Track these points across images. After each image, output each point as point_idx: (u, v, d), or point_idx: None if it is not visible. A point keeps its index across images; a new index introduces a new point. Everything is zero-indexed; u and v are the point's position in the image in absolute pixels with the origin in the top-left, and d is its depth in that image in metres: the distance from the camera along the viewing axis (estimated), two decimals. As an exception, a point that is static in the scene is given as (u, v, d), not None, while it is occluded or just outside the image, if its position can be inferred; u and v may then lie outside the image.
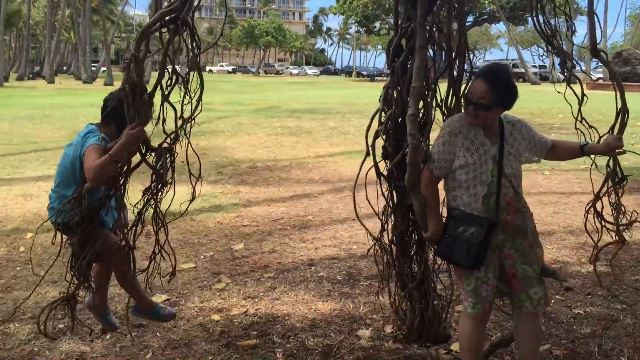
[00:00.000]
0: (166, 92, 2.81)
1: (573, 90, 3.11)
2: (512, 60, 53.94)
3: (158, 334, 3.66)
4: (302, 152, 11.05)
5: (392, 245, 3.33)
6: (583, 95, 3.10)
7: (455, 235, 2.83)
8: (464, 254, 2.79)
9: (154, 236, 3.17)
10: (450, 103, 3.30)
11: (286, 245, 5.46)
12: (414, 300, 3.35)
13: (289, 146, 11.72)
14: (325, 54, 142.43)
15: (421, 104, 3.10)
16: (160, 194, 3.07)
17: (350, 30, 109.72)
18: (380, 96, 3.20)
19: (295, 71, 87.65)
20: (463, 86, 3.21)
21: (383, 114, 3.23)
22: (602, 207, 3.12)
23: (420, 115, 3.14)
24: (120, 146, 2.69)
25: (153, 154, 2.89)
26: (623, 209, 3.08)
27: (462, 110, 3.22)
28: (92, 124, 3.11)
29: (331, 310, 4.01)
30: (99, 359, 3.35)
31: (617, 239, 3.10)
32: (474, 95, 2.72)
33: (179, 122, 2.92)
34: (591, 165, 3.15)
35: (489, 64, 2.89)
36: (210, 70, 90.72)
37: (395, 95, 3.16)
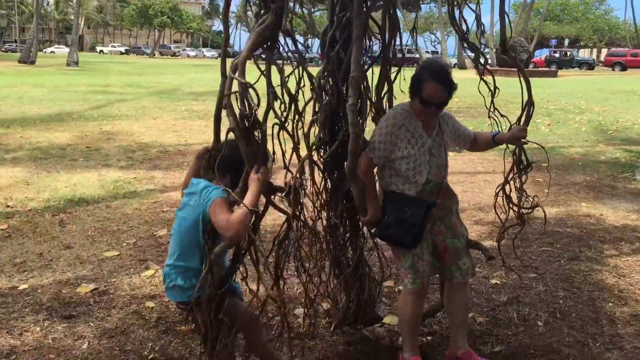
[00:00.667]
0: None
1: (486, 83, 3.32)
2: (407, 45, 55.59)
3: (91, 324, 3.56)
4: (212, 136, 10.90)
5: (327, 233, 3.39)
6: (495, 87, 3.33)
7: (397, 216, 2.99)
8: (405, 234, 2.97)
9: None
10: (382, 91, 3.39)
11: (211, 230, 5.43)
12: (350, 286, 3.45)
13: (199, 130, 11.53)
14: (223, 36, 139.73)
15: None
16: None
17: (249, 12, 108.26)
18: (314, 84, 3.25)
19: (192, 53, 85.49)
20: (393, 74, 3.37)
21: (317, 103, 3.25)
22: (510, 190, 3.37)
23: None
24: (254, 194, 2.41)
25: (280, 194, 2.66)
26: (526, 194, 3.35)
27: (392, 97, 3.41)
28: (202, 179, 2.64)
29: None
30: (31, 352, 3.22)
31: (519, 221, 3.37)
32: (436, 98, 2.88)
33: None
34: (505, 151, 3.39)
35: (437, 64, 3.02)
36: (101, 51, 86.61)
37: (330, 84, 3.19)
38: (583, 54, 76.98)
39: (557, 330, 3.52)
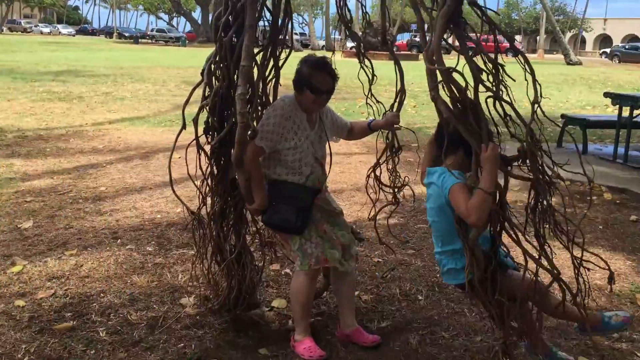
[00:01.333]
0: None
1: (366, 72, 3.42)
2: (299, 35, 55.32)
3: (-46, 329, 3.23)
4: (77, 119, 10.26)
5: (212, 220, 3.33)
6: (373, 75, 3.45)
7: (283, 204, 3.04)
8: (293, 220, 3.03)
9: None
10: (269, 76, 3.37)
11: (83, 220, 5.12)
12: (232, 272, 3.41)
13: (61, 113, 10.78)
14: (80, 12, 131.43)
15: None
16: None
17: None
18: (203, 69, 3.16)
19: (46, 30, 79.33)
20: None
21: (207, 89, 3.17)
22: (381, 172, 3.51)
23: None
24: (490, 175, 2.39)
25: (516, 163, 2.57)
26: (398, 175, 3.53)
27: (278, 85, 3.41)
28: (438, 167, 2.64)
29: (149, 282, 3.91)
30: None
31: (393, 200, 3.55)
32: (326, 86, 3.02)
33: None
34: (378, 134, 3.52)
35: (317, 57, 3.11)
36: (-62, 25, 77.96)
37: (222, 70, 3.11)
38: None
39: (437, 303, 3.73)
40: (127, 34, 68.20)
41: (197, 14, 62.98)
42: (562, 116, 8.76)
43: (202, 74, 3.21)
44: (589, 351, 3.17)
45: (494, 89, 2.49)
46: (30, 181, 6.30)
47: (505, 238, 2.66)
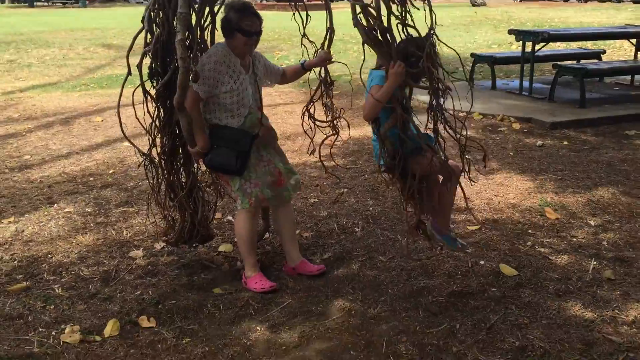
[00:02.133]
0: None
1: (299, 12, 3.56)
2: None
3: None
4: (-16, 89, 9.80)
5: (162, 160, 3.46)
6: (307, 15, 3.59)
7: (224, 146, 3.22)
8: (233, 162, 3.23)
9: None
10: (203, 27, 3.48)
11: (13, 189, 5.06)
12: (185, 207, 3.58)
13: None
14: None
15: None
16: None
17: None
18: (143, 17, 3.21)
19: None
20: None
21: (149, 36, 3.24)
22: (314, 110, 3.71)
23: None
24: (388, 87, 2.89)
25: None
26: (334, 107, 3.74)
27: (215, 31, 3.51)
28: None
29: (95, 241, 4.01)
30: None
31: (333, 132, 3.77)
32: (254, 27, 3.19)
33: None
34: (309, 77, 3.70)
35: (241, 2, 3.23)
36: None
37: (161, 17, 3.19)
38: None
39: (372, 233, 4.04)
40: (19, -2, 63.75)
41: (94, -27, 59.53)
42: (472, 55, 9.22)
43: (142, 21, 3.26)
44: (508, 259, 3.58)
45: (402, 17, 2.89)
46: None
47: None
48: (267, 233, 3.98)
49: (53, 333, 2.95)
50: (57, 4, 54.34)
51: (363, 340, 2.84)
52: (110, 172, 5.42)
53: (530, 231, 3.97)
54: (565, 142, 6.06)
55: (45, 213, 4.49)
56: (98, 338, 2.92)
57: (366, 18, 2.85)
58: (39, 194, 4.93)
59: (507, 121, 6.88)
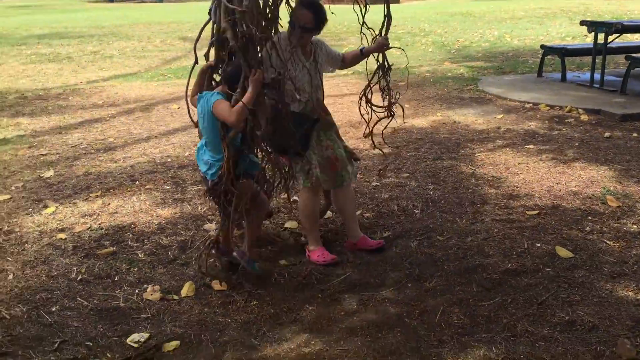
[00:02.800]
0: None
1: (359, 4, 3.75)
2: None
3: (9, 259, 3.66)
4: (71, 79, 10.48)
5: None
6: (367, 5, 3.78)
7: (287, 131, 3.44)
8: (295, 144, 3.46)
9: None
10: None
11: (100, 167, 5.50)
12: None
13: (54, 74, 10.98)
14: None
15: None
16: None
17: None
18: (210, 9, 3.48)
19: (17, -7, 77.47)
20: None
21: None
22: (372, 95, 3.88)
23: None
24: (251, 93, 3.01)
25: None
26: (391, 91, 3.89)
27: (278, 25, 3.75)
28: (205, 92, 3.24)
29: (172, 214, 4.35)
30: (-44, 291, 3.29)
31: (388, 113, 3.92)
32: (301, 21, 3.35)
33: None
34: (366, 63, 3.87)
35: None
36: None
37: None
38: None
39: (431, 215, 4.19)
40: (101, -7, 66.58)
41: (171, -32, 61.48)
42: (542, 46, 9.12)
43: (209, 13, 3.52)
44: (565, 242, 3.66)
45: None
46: (40, 137, 6.63)
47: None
48: (329, 212, 4.20)
49: (136, 291, 3.28)
50: (136, 0, 56.53)
51: (417, 309, 3.02)
52: (186, 154, 5.79)
53: (590, 217, 4.02)
54: (635, 134, 5.97)
55: (129, 189, 4.88)
56: (176, 297, 3.23)
57: (241, 24, 3.02)
58: (123, 172, 5.34)
59: (575, 113, 6.82)
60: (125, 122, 7.23)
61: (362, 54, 3.75)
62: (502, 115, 6.89)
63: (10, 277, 3.43)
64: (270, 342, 2.82)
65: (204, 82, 3.32)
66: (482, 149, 5.62)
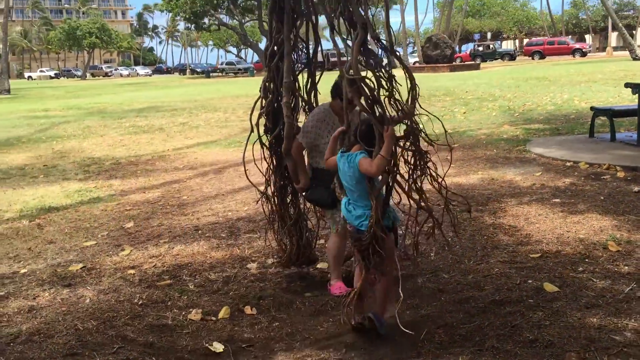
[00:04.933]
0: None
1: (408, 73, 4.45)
2: (328, 50, 56.07)
3: (88, 288, 4.54)
4: (160, 147, 11.83)
5: (275, 196, 4.51)
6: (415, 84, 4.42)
7: (320, 186, 4.16)
8: (326, 198, 4.14)
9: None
10: (309, 92, 4.54)
11: (171, 220, 6.43)
12: (292, 234, 4.57)
13: (146, 143, 12.41)
14: (155, 52, 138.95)
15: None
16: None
17: (179, 27, 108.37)
18: (260, 88, 4.34)
19: (125, 72, 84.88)
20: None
21: (264, 101, 4.36)
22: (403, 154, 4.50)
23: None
24: (388, 147, 3.30)
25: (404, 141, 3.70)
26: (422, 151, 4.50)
27: (317, 94, 4.55)
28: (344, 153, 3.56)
29: (223, 256, 5.13)
30: (47, 308, 4.17)
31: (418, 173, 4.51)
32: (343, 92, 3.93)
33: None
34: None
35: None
36: (30, 77, 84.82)
37: (272, 87, 4.31)
38: (506, 45, 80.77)
39: (444, 258, 4.73)
40: (199, 70, 71.85)
41: (263, 45, 65.68)
42: (591, 108, 9.45)
43: (260, 90, 4.39)
44: (554, 280, 4.09)
45: (390, 91, 3.58)
46: (127, 196, 7.73)
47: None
48: (352, 257, 4.82)
49: (183, 313, 4.03)
50: (230, 74, 60.49)
51: (408, 330, 3.57)
52: (245, 208, 6.64)
53: (587, 260, 4.41)
54: (666, 190, 6.23)
55: (191, 237, 5.74)
56: (213, 318, 3.95)
57: (362, 89, 3.50)
58: (189, 224, 6.24)
59: (613, 170, 7.13)
60: (199, 183, 8.24)
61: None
62: (540, 173, 7.30)
63: (87, 300, 4.29)
64: (284, 352, 3.47)
65: (337, 146, 3.64)
66: (509, 203, 6.08)
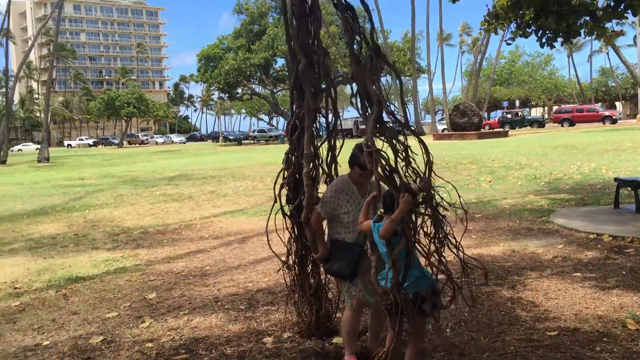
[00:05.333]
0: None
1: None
2: (355, 117, 56.56)
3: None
4: (188, 215, 12.08)
5: (295, 265, 4.60)
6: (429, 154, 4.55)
7: (339, 257, 4.23)
8: (346, 270, 4.20)
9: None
10: (329, 163, 4.70)
11: (192, 291, 6.53)
12: (312, 304, 4.62)
13: (174, 211, 12.69)
14: (190, 120, 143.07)
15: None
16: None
17: (213, 96, 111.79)
18: (283, 159, 4.51)
19: (160, 140, 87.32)
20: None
21: (286, 172, 4.54)
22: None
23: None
24: (400, 212, 3.51)
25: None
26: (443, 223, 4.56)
27: (337, 165, 4.70)
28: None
29: (240, 329, 5.17)
30: (64, 383, 4.26)
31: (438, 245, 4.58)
32: (360, 161, 4.10)
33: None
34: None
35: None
36: (69, 145, 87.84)
37: (293, 159, 4.49)
38: (535, 112, 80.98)
39: (459, 334, 4.69)
40: (231, 137, 73.58)
41: (293, 113, 67.17)
42: (615, 179, 9.41)
43: (282, 162, 4.57)
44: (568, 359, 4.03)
45: (405, 160, 3.75)
46: (152, 265, 7.88)
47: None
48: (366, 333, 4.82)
49: (197, 388, 4.07)
50: (261, 142, 61.73)
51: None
52: (266, 279, 6.71)
53: (605, 339, 4.34)
54: (691, 263, 6.12)
55: (211, 309, 5.81)
56: (226, 394, 3.98)
57: (379, 160, 3.69)
58: (210, 294, 6.32)
59: (637, 243, 7.04)
60: (222, 253, 8.37)
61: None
62: (562, 246, 7.25)
63: (105, 373, 4.37)
64: None
65: (369, 211, 3.86)
66: (529, 276, 6.04)
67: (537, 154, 21.17)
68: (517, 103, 74.19)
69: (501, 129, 49.08)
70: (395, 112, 4.39)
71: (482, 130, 41.94)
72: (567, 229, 8.13)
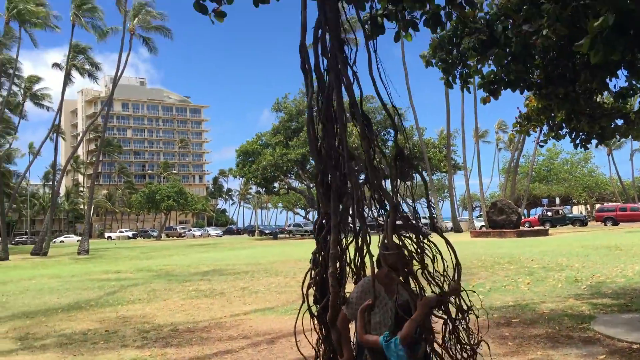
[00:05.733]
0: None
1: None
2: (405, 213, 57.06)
3: None
4: (219, 312, 11.98)
5: None
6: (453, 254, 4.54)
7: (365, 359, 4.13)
8: None
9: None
10: (358, 262, 4.68)
11: (217, 394, 6.37)
12: None
13: (205, 308, 12.61)
14: (227, 213, 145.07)
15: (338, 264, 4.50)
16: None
17: (251, 190, 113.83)
18: (311, 259, 4.52)
19: (198, 233, 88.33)
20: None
21: (313, 272, 4.53)
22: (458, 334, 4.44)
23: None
24: (420, 314, 3.76)
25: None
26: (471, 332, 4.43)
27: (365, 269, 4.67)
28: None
29: None
30: None
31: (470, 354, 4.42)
32: (388, 261, 4.13)
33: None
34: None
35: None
36: (109, 237, 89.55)
37: (320, 258, 4.49)
38: (576, 210, 79.70)
39: None
40: (267, 231, 73.98)
41: (329, 208, 67.60)
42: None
43: (310, 262, 4.58)
44: None
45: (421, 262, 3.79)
46: (179, 366, 7.76)
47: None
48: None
49: None
50: (297, 236, 61.89)
51: None
52: (292, 385, 6.51)
53: None
54: None
55: (234, 415, 5.63)
56: None
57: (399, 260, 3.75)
58: (234, 400, 6.14)
59: (682, 354, 6.65)
60: (250, 354, 8.20)
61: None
62: (604, 356, 6.89)
63: None
64: None
65: (364, 319, 3.97)
66: (569, 390, 5.71)
67: (578, 254, 20.59)
68: (558, 200, 73.21)
69: (541, 227, 48.21)
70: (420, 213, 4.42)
71: (521, 228, 41.28)
72: (610, 337, 7.75)
